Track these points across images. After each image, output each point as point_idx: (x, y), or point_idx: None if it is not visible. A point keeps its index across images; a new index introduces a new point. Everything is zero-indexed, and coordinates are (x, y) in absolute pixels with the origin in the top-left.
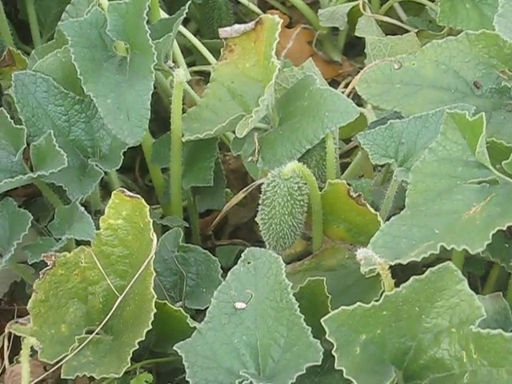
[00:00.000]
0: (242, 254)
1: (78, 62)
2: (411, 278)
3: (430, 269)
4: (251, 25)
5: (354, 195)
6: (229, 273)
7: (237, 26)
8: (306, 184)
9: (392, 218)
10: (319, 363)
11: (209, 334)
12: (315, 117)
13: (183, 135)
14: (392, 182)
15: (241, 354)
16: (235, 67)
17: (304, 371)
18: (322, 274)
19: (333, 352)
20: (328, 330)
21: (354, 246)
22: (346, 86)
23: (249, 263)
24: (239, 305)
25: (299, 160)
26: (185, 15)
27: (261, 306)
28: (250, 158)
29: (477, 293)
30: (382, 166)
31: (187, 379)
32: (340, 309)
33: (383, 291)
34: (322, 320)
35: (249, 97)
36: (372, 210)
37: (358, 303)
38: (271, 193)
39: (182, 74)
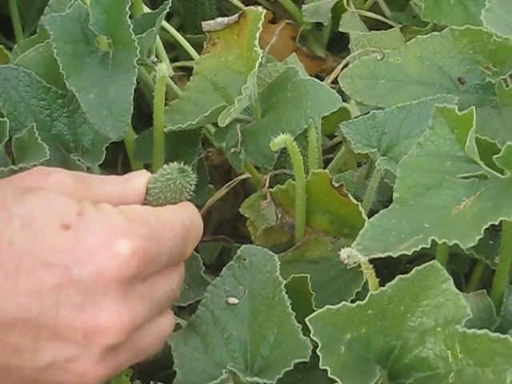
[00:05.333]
0: (238, 251)
1: (60, 57)
2: (397, 277)
3: (415, 268)
4: (234, 18)
5: (337, 185)
6: (224, 268)
7: (220, 19)
8: None
9: (381, 211)
10: (307, 360)
11: (200, 327)
12: (298, 107)
13: (165, 127)
14: (375, 172)
15: (230, 349)
16: (218, 60)
17: (291, 367)
18: (304, 265)
19: (317, 351)
20: (313, 329)
21: (337, 238)
22: (330, 82)
23: (244, 260)
24: (232, 300)
25: (282, 151)
26: (168, 10)
27: (253, 303)
28: (232, 150)
29: (461, 290)
30: (366, 161)
31: (174, 368)
32: (325, 308)
33: (365, 282)
34: (306, 319)
35: (232, 89)
36: (354, 201)
37: (343, 302)
38: None
39: (164, 68)
